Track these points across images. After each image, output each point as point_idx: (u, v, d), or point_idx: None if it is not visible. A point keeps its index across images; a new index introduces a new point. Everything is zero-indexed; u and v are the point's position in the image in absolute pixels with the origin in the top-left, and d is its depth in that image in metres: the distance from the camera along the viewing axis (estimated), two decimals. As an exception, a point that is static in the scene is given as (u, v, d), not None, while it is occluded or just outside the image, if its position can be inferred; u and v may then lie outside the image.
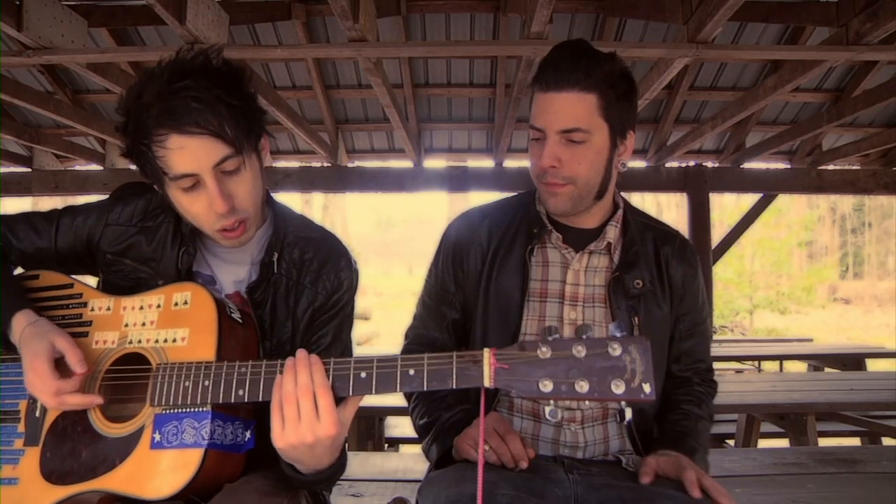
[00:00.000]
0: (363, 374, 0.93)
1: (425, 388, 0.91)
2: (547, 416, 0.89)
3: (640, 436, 1.28)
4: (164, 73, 1.04)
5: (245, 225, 1.12)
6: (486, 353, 0.88)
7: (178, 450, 0.99)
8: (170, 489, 0.96)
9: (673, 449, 1.20)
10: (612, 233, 1.31)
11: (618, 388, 0.82)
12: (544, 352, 0.86)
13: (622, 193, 1.39)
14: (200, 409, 1.00)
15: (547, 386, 0.84)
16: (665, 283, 1.32)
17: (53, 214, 1.24)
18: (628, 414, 1.25)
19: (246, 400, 0.98)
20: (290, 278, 1.21)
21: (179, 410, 1.01)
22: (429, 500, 1.10)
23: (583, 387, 0.83)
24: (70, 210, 1.25)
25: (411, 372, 0.92)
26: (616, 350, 0.84)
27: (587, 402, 1.26)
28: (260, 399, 0.97)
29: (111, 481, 1.00)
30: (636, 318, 1.27)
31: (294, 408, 0.92)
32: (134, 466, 1.00)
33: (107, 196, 1.28)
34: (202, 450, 0.97)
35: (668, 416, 1.31)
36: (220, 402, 0.99)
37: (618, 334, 0.86)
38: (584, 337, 0.86)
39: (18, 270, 1.24)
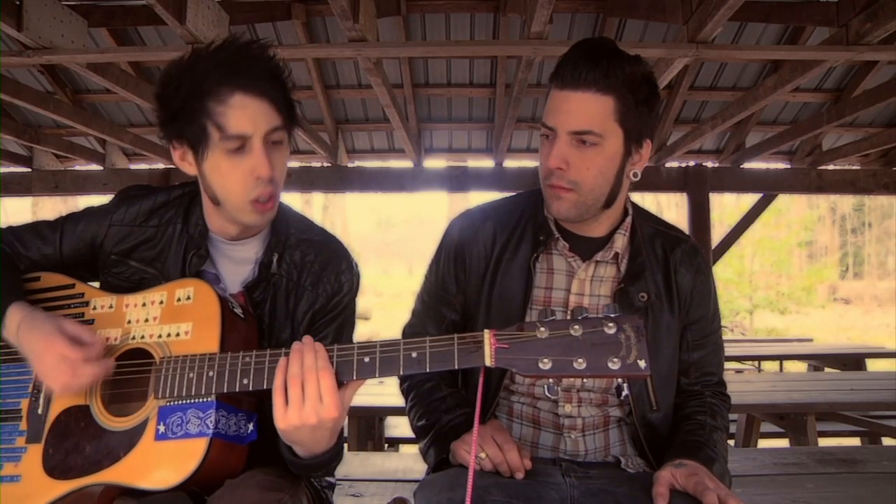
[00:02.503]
0: (367, 359, 0.96)
1: (428, 370, 0.94)
2: (546, 392, 0.90)
3: (651, 450, 1.25)
4: (226, 45, 1.09)
5: (275, 201, 1.15)
6: (487, 334, 0.91)
7: (184, 440, 1.00)
8: (175, 478, 0.97)
9: (688, 458, 1.13)
10: (620, 242, 1.27)
11: (614, 364, 0.86)
12: (542, 331, 0.89)
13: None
14: (205, 400, 1.02)
15: (546, 364, 0.87)
16: (673, 291, 1.28)
17: (58, 221, 1.26)
18: (625, 389, 1.23)
19: (251, 388, 1.00)
20: (291, 279, 1.22)
21: (184, 402, 1.02)
22: None
23: (581, 364, 0.86)
24: (74, 216, 1.26)
25: (414, 355, 0.94)
26: (611, 329, 0.87)
27: (589, 409, 1.26)
28: (264, 387, 0.99)
29: (116, 473, 1.00)
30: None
31: (298, 389, 0.93)
32: (139, 458, 1.01)
33: (110, 197, 1.28)
34: (207, 439, 0.98)
35: (681, 427, 1.26)
36: (225, 391, 1.00)
37: (612, 314, 0.89)
38: (579, 317, 0.89)
39: None
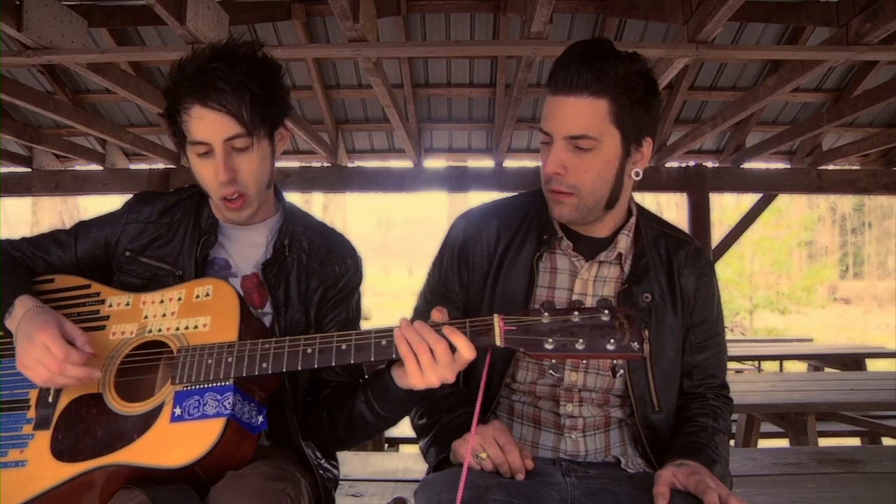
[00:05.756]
0: (384, 342, 1.03)
1: None
2: (550, 371, 1.01)
3: (653, 452, 1.25)
4: (207, 52, 1.19)
5: (244, 199, 1.22)
6: (496, 317, 1.01)
7: (201, 420, 1.01)
8: (191, 456, 0.98)
9: (690, 459, 1.14)
10: (624, 242, 1.27)
11: (611, 345, 0.96)
12: (546, 317, 0.99)
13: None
14: (223, 384, 1.04)
15: (550, 344, 0.97)
16: (676, 293, 1.28)
17: (73, 226, 1.34)
18: (620, 370, 1.24)
19: (270, 371, 1.03)
20: (301, 262, 1.30)
21: (201, 386, 1.04)
22: None
23: (581, 344, 0.96)
24: (89, 220, 1.34)
25: None
26: (607, 316, 0.97)
27: (590, 409, 1.26)
28: (284, 370, 1.04)
29: (128, 454, 1.01)
30: (646, 332, 1.23)
31: (428, 354, 1.00)
32: (153, 439, 1.01)
33: (110, 197, 1.33)
34: (224, 419, 1.00)
35: (683, 429, 1.26)
36: (244, 374, 1.04)
37: (605, 305, 0.99)
38: (578, 307, 1.00)
39: None
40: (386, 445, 4.18)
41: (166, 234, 1.29)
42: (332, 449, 1.33)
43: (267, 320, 1.26)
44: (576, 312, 0.98)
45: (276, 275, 1.27)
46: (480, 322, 1.01)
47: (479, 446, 1.11)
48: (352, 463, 2.41)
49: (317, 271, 1.29)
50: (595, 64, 1.12)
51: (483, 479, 1.07)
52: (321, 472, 1.26)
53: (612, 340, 0.95)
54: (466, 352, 1.00)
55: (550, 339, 0.96)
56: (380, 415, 1.16)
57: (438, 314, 1.04)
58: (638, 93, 1.14)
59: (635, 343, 0.95)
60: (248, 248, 1.31)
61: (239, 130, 1.17)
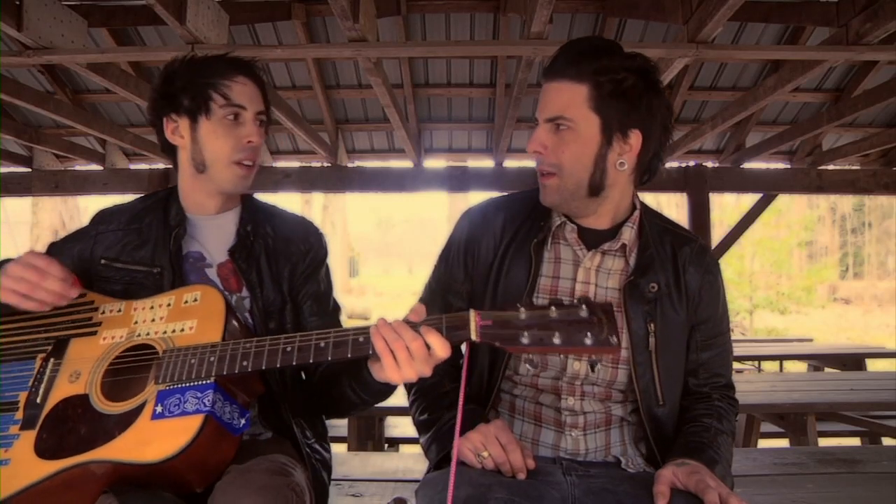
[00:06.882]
0: (361, 339, 1.05)
1: None
2: (528, 366, 1.02)
3: (657, 446, 1.25)
4: (216, 53, 1.36)
5: (254, 168, 1.35)
6: (472, 312, 1.01)
7: (180, 417, 1.03)
8: (168, 451, 0.99)
9: (691, 458, 1.14)
10: (628, 234, 1.27)
11: (588, 339, 0.95)
12: (523, 312, 0.98)
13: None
14: (204, 382, 1.06)
15: (526, 338, 0.96)
16: (682, 288, 1.28)
17: (46, 249, 1.38)
18: (599, 364, 1.24)
19: (250, 369, 1.05)
20: (267, 245, 1.37)
21: (183, 385, 1.06)
22: (424, 502, 1.11)
23: (558, 338, 0.95)
24: (59, 240, 1.41)
25: None
26: (584, 311, 0.97)
27: (592, 403, 1.26)
28: (264, 367, 1.05)
29: (108, 450, 1.02)
30: (652, 325, 1.23)
31: (404, 351, 1.01)
32: (134, 436, 1.03)
33: (110, 198, 1.36)
34: (203, 416, 1.02)
35: (686, 428, 1.26)
36: (225, 373, 1.05)
37: (583, 303, 0.99)
38: (556, 303, 1.00)
39: None
40: (386, 445, 4.18)
41: (137, 239, 1.34)
42: (326, 418, 1.43)
43: (246, 303, 1.32)
44: (553, 308, 0.97)
45: (247, 259, 1.33)
46: (456, 318, 1.02)
47: (481, 445, 1.11)
48: (352, 463, 2.42)
49: (283, 252, 1.37)
50: (581, 53, 1.18)
51: (485, 477, 1.07)
52: (308, 450, 1.29)
53: (589, 335, 0.94)
54: (440, 349, 1.01)
55: (527, 334, 0.96)
56: (364, 399, 1.22)
57: (415, 316, 1.05)
58: (625, 85, 1.17)
59: (613, 337, 0.94)
60: (218, 236, 1.36)
61: (263, 107, 1.34)
